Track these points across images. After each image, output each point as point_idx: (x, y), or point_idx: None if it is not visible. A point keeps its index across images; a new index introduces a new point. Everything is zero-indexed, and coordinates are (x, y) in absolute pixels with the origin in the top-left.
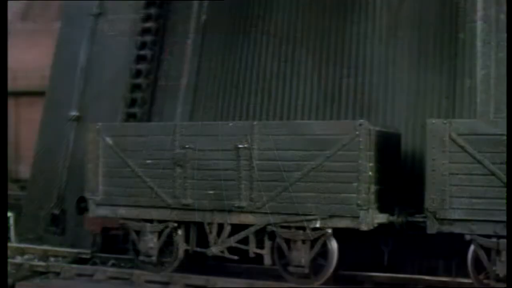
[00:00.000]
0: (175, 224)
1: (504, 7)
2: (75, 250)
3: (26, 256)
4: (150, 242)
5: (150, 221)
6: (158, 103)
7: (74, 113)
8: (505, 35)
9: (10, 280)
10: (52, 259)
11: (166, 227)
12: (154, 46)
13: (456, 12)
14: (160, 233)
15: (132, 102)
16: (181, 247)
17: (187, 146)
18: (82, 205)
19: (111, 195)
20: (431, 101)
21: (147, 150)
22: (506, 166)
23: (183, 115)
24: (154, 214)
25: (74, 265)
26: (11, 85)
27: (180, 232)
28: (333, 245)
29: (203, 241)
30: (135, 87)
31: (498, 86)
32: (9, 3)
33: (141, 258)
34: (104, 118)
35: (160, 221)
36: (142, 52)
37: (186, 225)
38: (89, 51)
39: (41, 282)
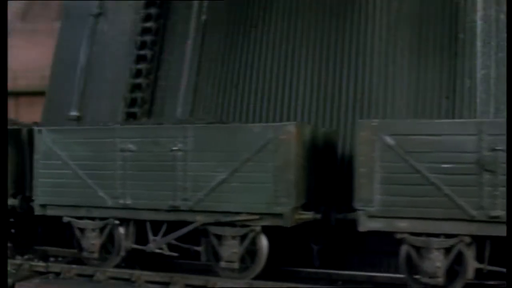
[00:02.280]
0: (469, 239)
1: (504, 7)
2: (75, 250)
3: (26, 256)
4: (436, 261)
5: (437, 235)
6: (158, 103)
7: (74, 113)
8: (505, 35)
9: (10, 280)
10: (52, 259)
11: (460, 241)
12: (154, 46)
13: (456, 12)
14: (447, 250)
15: (132, 102)
16: (472, 265)
17: (498, 147)
18: (338, 216)
19: (390, 205)
20: (431, 101)
21: (443, 152)
22: (507, 164)
23: (183, 115)
24: (446, 227)
25: (74, 265)
26: (11, 85)
27: (470, 248)
28: None
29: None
30: (135, 87)
31: (498, 86)
32: (9, 3)
33: (424, 280)
34: (104, 118)
35: (448, 236)
36: (142, 52)
37: (479, 240)
38: (89, 51)
39: (41, 282)
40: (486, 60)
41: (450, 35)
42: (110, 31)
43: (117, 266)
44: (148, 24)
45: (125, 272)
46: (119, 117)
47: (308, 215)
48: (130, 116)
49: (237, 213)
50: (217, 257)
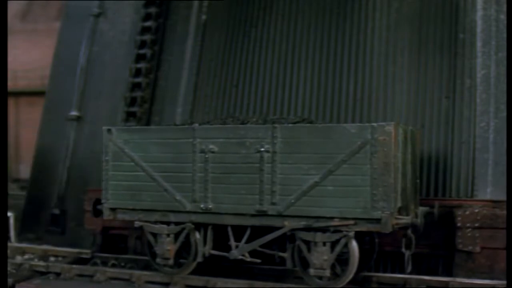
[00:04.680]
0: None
1: (504, 7)
2: (75, 250)
3: (26, 256)
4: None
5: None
6: (158, 103)
7: (74, 113)
8: (505, 35)
9: (10, 280)
10: (52, 259)
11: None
12: (154, 46)
13: (456, 12)
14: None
15: (132, 101)
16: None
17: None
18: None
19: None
20: (431, 101)
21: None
22: (507, 164)
23: (183, 115)
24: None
25: (74, 266)
26: (11, 85)
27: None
28: None
29: None
30: (135, 86)
31: (498, 86)
32: (9, 3)
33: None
34: (104, 118)
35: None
36: (142, 51)
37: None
38: (89, 51)
39: (42, 282)
40: (486, 60)
41: (450, 35)
42: (110, 31)
43: (193, 272)
44: (148, 23)
45: (125, 273)
46: (119, 117)
47: (406, 220)
48: (130, 116)
49: (330, 218)
50: (304, 264)
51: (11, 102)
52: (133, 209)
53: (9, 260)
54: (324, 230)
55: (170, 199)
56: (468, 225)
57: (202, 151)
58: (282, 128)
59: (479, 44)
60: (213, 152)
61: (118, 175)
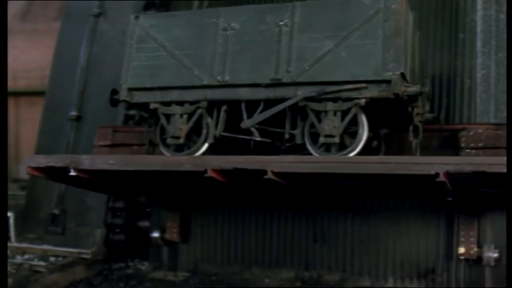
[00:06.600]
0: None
1: (504, 7)
2: (75, 250)
3: (26, 256)
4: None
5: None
6: None
7: (74, 113)
8: (505, 35)
9: (10, 280)
10: (52, 259)
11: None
12: None
13: (456, 12)
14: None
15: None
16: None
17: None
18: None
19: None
20: (431, 100)
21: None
22: (507, 164)
23: None
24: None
25: None
26: (11, 85)
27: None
28: None
29: None
30: None
31: (498, 86)
32: (9, 3)
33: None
34: (104, 118)
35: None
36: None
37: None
38: (89, 51)
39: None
40: (486, 60)
41: (450, 35)
42: (110, 31)
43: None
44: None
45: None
46: (119, 118)
47: (415, 88)
48: (130, 118)
49: (342, 83)
50: (313, 139)
51: (11, 102)
52: (151, 89)
53: (9, 260)
54: (335, 100)
55: (188, 75)
56: (472, 145)
57: (224, 29)
58: (301, 5)
59: (479, 44)
60: (234, 29)
61: (139, 56)
